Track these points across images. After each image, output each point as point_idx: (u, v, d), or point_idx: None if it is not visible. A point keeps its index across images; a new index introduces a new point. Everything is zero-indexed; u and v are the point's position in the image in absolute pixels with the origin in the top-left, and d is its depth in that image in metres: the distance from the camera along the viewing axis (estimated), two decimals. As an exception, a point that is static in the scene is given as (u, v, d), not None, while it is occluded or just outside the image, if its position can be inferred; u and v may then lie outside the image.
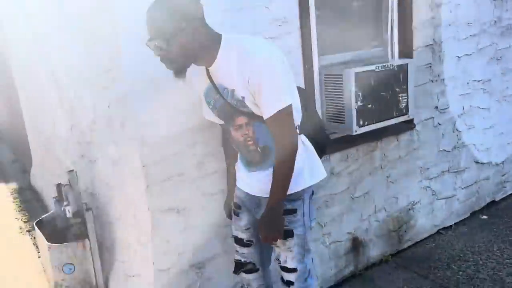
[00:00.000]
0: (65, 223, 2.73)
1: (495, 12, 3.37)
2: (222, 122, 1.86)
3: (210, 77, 1.70)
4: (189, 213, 2.11)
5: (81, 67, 2.45)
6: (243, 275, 2.03)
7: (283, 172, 1.67)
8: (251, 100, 1.62)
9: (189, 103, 1.97)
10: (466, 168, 3.42)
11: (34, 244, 3.67)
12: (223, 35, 1.64)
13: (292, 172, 1.68)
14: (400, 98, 2.60)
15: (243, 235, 1.96)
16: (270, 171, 1.74)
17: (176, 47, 1.55)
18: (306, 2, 2.34)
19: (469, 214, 3.47)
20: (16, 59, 4.56)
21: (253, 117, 1.68)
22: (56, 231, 2.78)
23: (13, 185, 5.24)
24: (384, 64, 2.48)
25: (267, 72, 1.55)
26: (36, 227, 2.81)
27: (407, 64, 2.59)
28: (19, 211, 4.43)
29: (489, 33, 3.36)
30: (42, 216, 2.89)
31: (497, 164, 3.67)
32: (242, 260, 1.99)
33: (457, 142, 3.31)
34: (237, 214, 1.95)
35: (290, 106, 1.60)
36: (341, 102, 2.42)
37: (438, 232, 3.26)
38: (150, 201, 2.00)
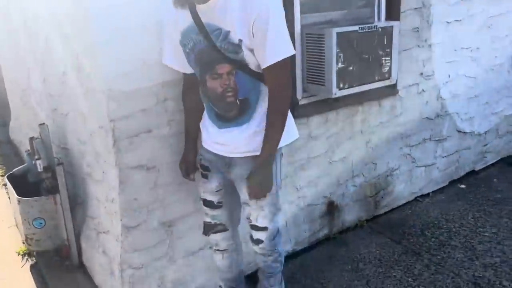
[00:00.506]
0: (37, 177, 2.67)
1: (489, -23, 3.26)
2: (188, 70, 1.77)
3: (196, 16, 1.56)
4: (159, 170, 2.06)
5: (50, 15, 2.33)
6: (213, 235, 2.01)
7: (279, 124, 1.63)
8: (247, 45, 1.53)
9: (160, 57, 1.88)
10: (448, 136, 3.39)
11: (8, 197, 3.62)
12: None
13: (285, 123, 1.64)
14: (383, 61, 2.53)
15: (213, 198, 1.92)
16: (245, 127, 1.69)
17: None
18: (290, -46, 2.22)
19: (447, 183, 3.48)
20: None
21: (237, 66, 1.59)
22: (28, 185, 2.72)
23: (-8, 139, 5.14)
24: (368, 25, 2.39)
25: (275, 18, 1.49)
26: (7, 181, 2.75)
27: (392, 26, 2.50)
28: (-4, 164, 4.36)
29: (480, -1, 3.26)
30: (14, 170, 2.83)
31: (479, 134, 3.65)
32: (212, 221, 1.97)
33: (441, 110, 3.27)
34: (205, 177, 1.89)
35: (290, 57, 1.55)
36: (322, 63, 2.34)
37: (415, 199, 3.27)
38: (117, 157, 1.94)
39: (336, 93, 2.36)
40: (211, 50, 1.58)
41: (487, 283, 2.36)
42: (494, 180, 3.54)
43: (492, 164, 3.81)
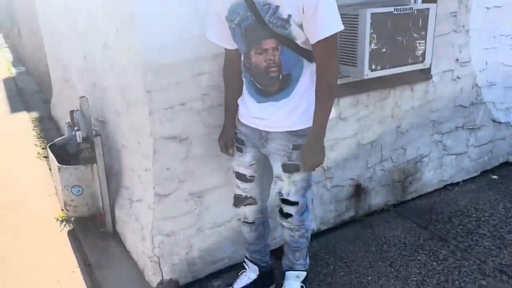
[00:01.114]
0: (76, 148, 2.81)
1: (534, -38, 3.15)
2: (232, 46, 1.80)
3: None
4: (191, 142, 2.14)
5: (94, -9, 2.44)
6: (242, 208, 2.07)
7: (330, 98, 1.71)
8: (296, 21, 1.57)
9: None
10: (482, 126, 3.33)
11: (49, 169, 3.81)
12: None
13: (334, 98, 1.72)
14: (418, 44, 2.51)
15: (246, 171, 1.98)
16: (283, 102, 1.75)
17: None
18: None
19: (479, 173, 3.42)
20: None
21: (283, 42, 1.64)
22: (68, 155, 2.87)
23: (35, 114, 5.40)
24: (403, 7, 2.38)
25: None
26: (49, 150, 2.91)
27: (428, 9, 2.47)
28: (38, 138, 4.59)
29: (524, -16, 3.16)
30: (55, 140, 2.99)
31: (515, 125, 3.56)
32: (243, 194, 2.03)
33: (476, 99, 3.21)
34: (240, 150, 1.96)
35: (338, 32, 1.60)
36: (355, 43, 2.35)
37: (445, 187, 3.24)
38: (152, 127, 2.03)
39: (368, 74, 2.37)
40: (259, 25, 1.62)
41: (514, 271, 2.34)
42: (529, 172, 3.46)
43: (528, 156, 3.71)
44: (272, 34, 1.63)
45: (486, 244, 2.58)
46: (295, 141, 1.79)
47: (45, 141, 4.45)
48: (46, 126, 4.90)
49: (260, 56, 1.69)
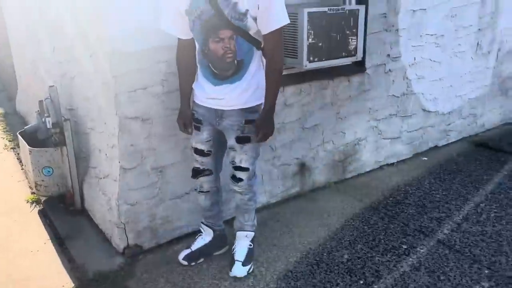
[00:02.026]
0: (46, 134, 3.05)
1: (453, -29, 3.64)
2: (187, 36, 2.07)
3: None
4: (152, 122, 2.44)
5: (63, -11, 2.71)
6: (201, 178, 2.36)
7: (278, 79, 2.08)
8: (252, 15, 1.90)
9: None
10: (413, 114, 3.79)
11: (17, 158, 4.01)
12: None
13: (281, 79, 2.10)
14: (350, 40, 2.91)
15: (204, 147, 2.28)
16: (237, 84, 2.07)
17: None
18: None
19: (411, 155, 3.88)
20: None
21: (238, 32, 1.95)
22: (37, 142, 3.10)
23: (0, 111, 5.51)
24: (336, 7, 2.78)
25: None
26: (19, 136, 3.14)
27: (358, 9, 2.89)
28: (4, 132, 4.74)
29: (445, -9, 3.64)
30: (25, 127, 3.22)
31: (443, 114, 4.05)
32: (201, 167, 2.33)
33: (406, 90, 3.67)
34: (198, 129, 2.25)
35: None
36: (296, 38, 2.73)
37: (380, 167, 3.68)
38: (117, 108, 2.33)
39: (307, 65, 2.75)
40: (218, 17, 1.92)
41: (431, 231, 2.77)
42: (454, 155, 3.95)
43: (455, 142, 4.21)
44: (229, 25, 1.94)
45: (410, 211, 3.01)
46: (246, 117, 2.14)
47: (11, 134, 4.61)
48: (12, 121, 5.04)
49: (217, 44, 2.00)
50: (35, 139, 3.11)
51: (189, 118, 2.28)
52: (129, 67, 2.29)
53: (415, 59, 3.64)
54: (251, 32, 1.99)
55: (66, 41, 2.83)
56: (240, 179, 2.27)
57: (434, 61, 3.79)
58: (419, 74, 3.72)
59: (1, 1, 4.95)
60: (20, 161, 3.91)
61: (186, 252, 2.47)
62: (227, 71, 2.06)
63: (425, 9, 3.56)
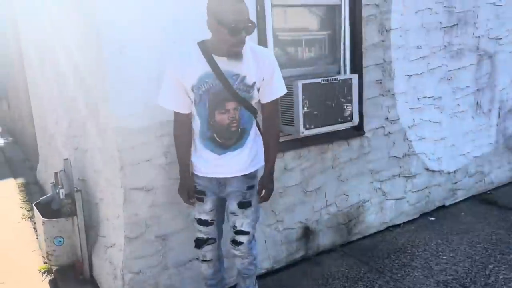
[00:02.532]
0: (59, 204, 3.21)
1: (445, 38, 3.83)
2: (186, 111, 2.18)
3: (214, 65, 2.06)
4: (156, 192, 2.57)
5: (77, 67, 2.96)
6: (205, 247, 2.41)
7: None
8: (257, 86, 2.14)
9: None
10: (417, 174, 3.84)
11: (34, 228, 4.15)
12: None
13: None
14: (345, 107, 3.06)
15: (208, 216, 2.35)
16: (239, 151, 2.22)
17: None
18: (264, 23, 2.82)
19: (418, 215, 3.88)
20: (28, 65, 5.11)
21: (242, 103, 2.14)
22: (51, 211, 3.25)
23: (21, 180, 5.77)
24: (329, 78, 2.95)
25: (277, 66, 2.20)
26: (34, 207, 3.30)
27: (351, 78, 3.05)
28: (23, 201, 4.94)
29: (439, 56, 3.81)
30: (40, 199, 3.38)
31: (448, 173, 4.08)
32: (205, 237, 2.40)
33: (408, 150, 3.74)
34: (201, 200, 2.33)
35: None
36: (292, 108, 2.89)
37: (387, 228, 3.67)
38: (123, 180, 2.47)
39: (304, 132, 2.88)
40: (226, 91, 2.10)
41: (437, 295, 2.73)
42: (462, 214, 3.92)
43: (463, 200, 4.19)
44: (236, 97, 2.12)
45: (417, 274, 2.98)
46: (248, 183, 2.27)
47: (30, 204, 4.79)
48: (32, 191, 5.26)
49: (223, 115, 2.15)
50: (49, 209, 3.26)
51: (192, 188, 2.35)
52: (134, 142, 2.46)
53: (414, 121, 3.74)
54: (253, 102, 2.19)
55: (80, 117, 3.06)
56: (241, 243, 2.33)
57: (434, 122, 3.89)
58: (420, 135, 3.81)
59: (28, 75, 5.34)
60: (36, 231, 4.05)
61: None
62: (231, 140, 2.21)
63: (420, 73, 3.72)
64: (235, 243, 2.35)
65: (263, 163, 2.33)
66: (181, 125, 2.26)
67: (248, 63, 2.09)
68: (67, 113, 3.42)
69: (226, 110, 2.14)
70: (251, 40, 2.72)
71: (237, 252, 2.37)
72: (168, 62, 2.17)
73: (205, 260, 2.47)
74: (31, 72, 5.01)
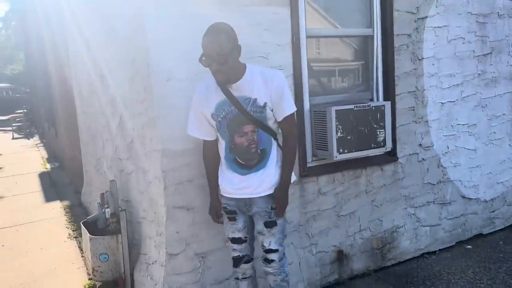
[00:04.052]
0: (104, 223, 3.41)
1: (479, 66, 3.88)
2: (211, 137, 2.41)
3: (229, 93, 2.26)
4: (196, 211, 2.72)
5: (125, 97, 3.20)
6: (243, 265, 2.53)
7: (294, 156, 2.43)
8: (269, 106, 2.28)
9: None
10: (452, 201, 3.83)
11: (79, 247, 4.37)
12: (246, 63, 2.31)
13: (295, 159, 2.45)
14: (378, 132, 3.15)
15: (240, 234, 2.49)
16: (261, 172, 2.35)
17: (228, 64, 2.16)
18: (299, 53, 2.99)
19: (454, 243, 3.84)
20: (77, 90, 5.47)
21: (258, 125, 2.30)
22: (97, 230, 3.45)
23: (66, 203, 6.07)
24: (362, 104, 3.06)
25: (285, 86, 2.33)
26: (82, 225, 3.51)
27: (383, 105, 3.15)
28: (69, 222, 5.20)
29: (472, 84, 3.85)
30: (87, 218, 3.60)
31: (485, 201, 4.04)
32: (240, 254, 2.52)
33: (442, 177, 3.76)
34: (233, 219, 2.47)
35: (296, 112, 2.40)
36: (325, 133, 3.01)
37: (422, 255, 3.65)
38: (166, 199, 2.64)
39: (337, 156, 2.99)
40: (241, 115, 2.28)
41: (474, 322, 2.70)
42: (500, 242, 3.86)
43: (501, 229, 4.12)
44: (251, 120, 2.28)
45: (453, 301, 2.96)
46: (272, 202, 2.38)
47: (75, 224, 5.05)
48: (76, 212, 5.53)
49: (242, 138, 2.33)
50: (95, 228, 3.47)
51: (219, 209, 2.53)
52: (177, 163, 2.64)
53: (448, 148, 3.77)
54: (269, 123, 2.33)
55: (126, 142, 3.28)
56: (272, 260, 2.43)
57: (469, 149, 3.90)
58: (455, 162, 3.82)
59: (76, 104, 5.71)
60: (81, 249, 4.27)
61: None
62: (252, 161, 2.35)
63: (454, 101, 3.77)
64: (267, 261, 2.45)
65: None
66: (208, 150, 2.50)
67: (258, 86, 2.26)
68: (114, 139, 3.67)
69: (244, 133, 2.31)
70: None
71: (270, 270, 2.46)
72: (194, 94, 2.40)
73: (245, 278, 2.57)
74: (79, 102, 5.37)
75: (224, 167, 2.44)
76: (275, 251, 2.41)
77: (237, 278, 2.60)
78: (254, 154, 2.34)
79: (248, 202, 2.41)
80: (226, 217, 2.52)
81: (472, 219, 3.96)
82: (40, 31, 8.74)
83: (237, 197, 2.42)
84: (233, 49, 2.17)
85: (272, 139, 2.38)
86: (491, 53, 3.94)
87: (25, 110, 16.04)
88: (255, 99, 2.27)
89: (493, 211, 4.10)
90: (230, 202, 2.46)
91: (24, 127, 15.57)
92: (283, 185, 2.37)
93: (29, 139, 14.39)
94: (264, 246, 2.43)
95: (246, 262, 2.54)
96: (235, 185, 2.41)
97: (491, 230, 4.08)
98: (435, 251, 3.72)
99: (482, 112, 3.95)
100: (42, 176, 8.17)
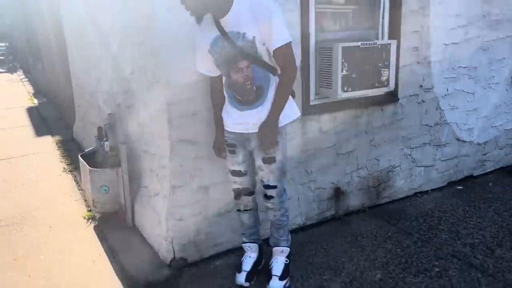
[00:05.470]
0: (103, 156, 3.40)
1: (484, 7, 3.80)
2: (215, 73, 2.38)
3: (220, 27, 2.18)
4: (200, 145, 2.71)
5: (123, 26, 3.08)
6: (244, 197, 2.58)
7: (285, 92, 2.29)
8: (260, 40, 2.16)
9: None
10: (447, 143, 3.90)
11: (75, 180, 4.39)
12: None
13: (289, 94, 2.31)
14: (382, 72, 3.12)
15: (240, 167, 2.51)
16: (260, 109, 2.30)
17: (190, 1, 2.10)
18: (307, -13, 2.87)
19: (446, 184, 3.96)
20: (67, 23, 5.26)
21: (253, 61, 2.22)
22: (96, 163, 3.45)
23: (58, 138, 6.02)
24: (368, 42, 3.00)
25: (275, 15, 2.13)
26: (80, 158, 3.50)
27: (389, 43, 3.10)
28: (62, 156, 5.19)
29: (476, 26, 3.79)
30: (85, 150, 3.58)
31: (478, 144, 4.12)
32: (240, 187, 2.56)
33: (440, 119, 3.79)
34: (233, 152, 2.49)
35: (291, 43, 2.20)
36: (330, 70, 2.97)
37: (415, 194, 3.77)
38: (170, 132, 2.62)
39: (341, 94, 2.97)
40: (234, 50, 2.21)
41: (464, 256, 2.84)
42: (490, 184, 3.99)
43: (491, 172, 4.25)
44: (244, 55, 2.21)
45: (444, 236, 3.09)
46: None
47: (69, 159, 5.04)
48: (69, 147, 5.51)
49: (237, 74, 2.27)
50: (93, 161, 3.46)
51: (222, 144, 2.55)
52: (181, 96, 2.59)
53: (448, 90, 3.78)
54: (266, 59, 2.25)
55: (125, 74, 3.20)
56: (271, 196, 2.48)
57: (467, 92, 3.91)
58: (453, 105, 3.84)
59: (66, 38, 5.50)
60: (77, 183, 4.29)
61: (243, 274, 2.60)
62: (249, 97, 2.31)
63: (457, 43, 3.72)
64: (266, 197, 2.49)
65: (289, 120, 2.40)
66: (214, 85, 2.49)
67: (245, 19, 2.14)
68: (111, 71, 3.57)
69: (239, 68, 2.24)
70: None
71: (269, 205, 2.51)
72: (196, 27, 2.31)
73: (247, 210, 2.63)
74: (70, 34, 5.16)
75: (227, 101, 2.44)
76: (274, 187, 2.44)
77: (239, 210, 2.66)
78: (249, 91, 2.30)
79: (246, 137, 2.41)
80: (227, 150, 2.53)
81: (464, 161, 4.06)
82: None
83: (235, 131, 2.42)
84: None
85: (271, 75, 2.30)
86: (498, -7, 3.86)
87: (7, 44, 15.47)
88: (244, 33, 2.17)
89: (485, 154, 4.20)
90: (230, 135, 2.47)
91: (7, 61, 15.07)
92: (267, 120, 2.28)
93: (12, 73, 13.98)
94: (263, 181, 2.46)
95: (247, 195, 2.59)
96: (234, 119, 2.41)
97: (482, 172, 4.21)
98: (428, 191, 3.84)
99: (483, 55, 3.93)
100: (31, 111, 8.04)
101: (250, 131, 2.38)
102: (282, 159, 2.42)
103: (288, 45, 2.20)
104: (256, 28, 2.15)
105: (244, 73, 2.26)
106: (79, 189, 4.13)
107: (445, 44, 3.66)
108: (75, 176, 4.48)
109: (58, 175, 4.60)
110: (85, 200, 3.84)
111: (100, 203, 3.28)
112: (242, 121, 2.38)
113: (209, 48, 2.29)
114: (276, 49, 2.18)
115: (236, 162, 2.51)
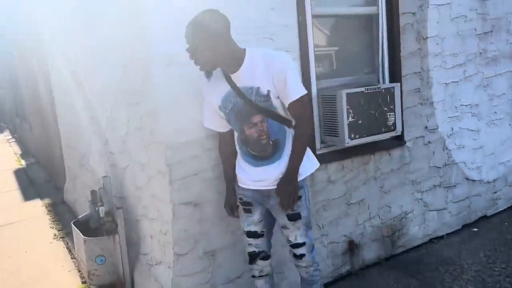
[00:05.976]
0: (98, 222, 3.17)
1: (480, 45, 3.78)
2: (225, 129, 2.26)
3: (232, 82, 2.10)
4: (204, 207, 2.52)
5: (117, 89, 2.94)
6: (259, 262, 2.36)
7: (303, 144, 2.16)
8: (274, 93, 2.06)
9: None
10: (458, 184, 3.75)
11: (67, 248, 4.11)
12: (246, 48, 2.10)
13: (307, 145, 2.17)
14: (388, 116, 3.00)
15: (257, 228, 2.32)
16: (277, 163, 2.16)
17: (200, 56, 2.01)
18: (305, 35, 2.80)
19: (460, 226, 3.77)
20: (56, 82, 5.13)
21: (267, 115, 2.10)
22: (90, 230, 3.21)
23: (48, 201, 5.75)
24: (372, 87, 2.91)
25: (289, 69, 2.06)
26: (73, 226, 3.26)
27: (393, 87, 3.01)
28: (53, 221, 4.91)
29: (474, 63, 3.76)
30: (79, 217, 3.34)
31: (488, 182, 3.98)
32: (257, 250, 2.35)
33: (448, 160, 3.66)
34: (248, 211, 2.30)
35: (307, 95, 2.11)
36: (335, 118, 2.84)
37: (430, 240, 3.57)
38: (172, 195, 2.42)
39: (349, 142, 2.83)
40: (247, 105, 2.09)
41: (496, 308, 2.62)
42: (506, 224, 3.81)
43: (504, 210, 4.08)
44: (258, 110, 2.09)
45: (470, 287, 2.87)
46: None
47: (60, 224, 4.76)
48: (60, 211, 5.23)
49: (251, 129, 2.15)
50: (88, 228, 3.22)
51: (234, 202, 2.38)
52: (182, 156, 2.42)
53: (452, 130, 3.67)
54: (280, 112, 2.13)
55: (120, 134, 3.03)
56: (302, 255, 2.27)
57: (472, 130, 3.82)
58: (459, 144, 3.73)
59: (55, 96, 5.36)
60: (70, 251, 4.01)
61: None
62: (265, 152, 2.17)
63: (457, 81, 3.66)
64: (297, 256, 2.29)
65: (309, 172, 2.26)
66: (223, 141, 2.36)
67: (259, 73, 2.06)
68: (104, 132, 3.40)
69: (253, 124, 2.13)
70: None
71: (301, 263, 2.30)
72: (204, 82, 2.22)
73: (262, 276, 2.40)
74: (60, 94, 5.03)
75: (240, 157, 2.29)
76: (302, 244, 2.25)
77: (253, 276, 2.42)
78: (266, 146, 2.16)
79: (266, 194, 2.23)
80: (241, 209, 2.34)
81: (476, 201, 3.90)
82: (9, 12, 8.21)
83: (253, 188, 2.25)
84: (208, 39, 1.98)
85: (286, 128, 2.18)
86: (491, 31, 3.85)
87: (-8, 105, 15.36)
88: (258, 88, 2.07)
89: (495, 192, 4.05)
90: (246, 193, 2.29)
91: (-7, 122, 14.89)
92: (286, 175, 2.14)
93: (-2, 134, 13.77)
94: (290, 241, 2.26)
95: (263, 259, 2.37)
96: (251, 176, 2.24)
97: (495, 211, 4.04)
98: (443, 236, 3.64)
99: (483, 92, 3.87)
100: (18, 173, 7.77)
101: (270, 187, 2.20)
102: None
103: (305, 96, 2.11)
104: (271, 82, 2.05)
105: (259, 127, 2.13)
106: (72, 258, 3.85)
107: (446, 84, 3.59)
108: (67, 242, 4.20)
109: (49, 242, 4.31)
110: (79, 271, 3.56)
111: (96, 275, 3.01)
112: (261, 177, 2.21)
113: (220, 104, 2.17)
114: (292, 102, 2.08)
115: (252, 222, 2.32)
